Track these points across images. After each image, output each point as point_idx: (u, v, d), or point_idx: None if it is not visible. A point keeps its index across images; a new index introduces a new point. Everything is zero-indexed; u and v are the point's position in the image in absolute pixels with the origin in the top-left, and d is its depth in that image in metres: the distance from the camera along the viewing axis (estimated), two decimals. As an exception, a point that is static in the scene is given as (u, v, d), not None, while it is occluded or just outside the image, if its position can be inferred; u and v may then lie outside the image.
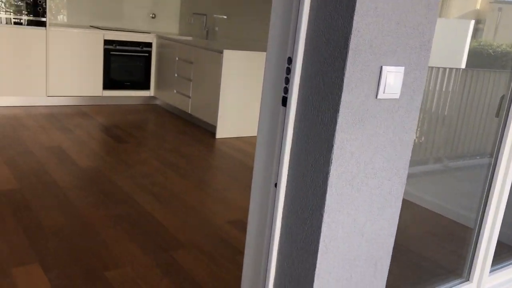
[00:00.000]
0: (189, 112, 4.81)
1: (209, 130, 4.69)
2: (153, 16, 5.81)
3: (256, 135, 4.68)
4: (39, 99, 4.87)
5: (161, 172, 3.37)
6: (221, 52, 4.23)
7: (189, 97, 4.79)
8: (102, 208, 2.70)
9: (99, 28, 5.07)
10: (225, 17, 5.18)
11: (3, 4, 4.38)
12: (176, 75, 5.00)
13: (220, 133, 4.43)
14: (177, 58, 4.95)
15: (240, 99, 4.44)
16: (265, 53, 4.48)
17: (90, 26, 5.36)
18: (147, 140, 4.11)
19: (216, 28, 5.31)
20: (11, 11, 4.43)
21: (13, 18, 4.45)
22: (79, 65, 4.93)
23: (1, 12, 4.38)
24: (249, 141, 4.45)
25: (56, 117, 4.55)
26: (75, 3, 5.24)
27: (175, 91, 5.03)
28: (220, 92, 4.30)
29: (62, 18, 5.21)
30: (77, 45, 4.87)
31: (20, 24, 4.50)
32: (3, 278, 1.94)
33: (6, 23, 4.43)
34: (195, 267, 2.18)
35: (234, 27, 5.02)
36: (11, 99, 4.71)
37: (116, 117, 4.82)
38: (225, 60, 4.23)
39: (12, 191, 2.76)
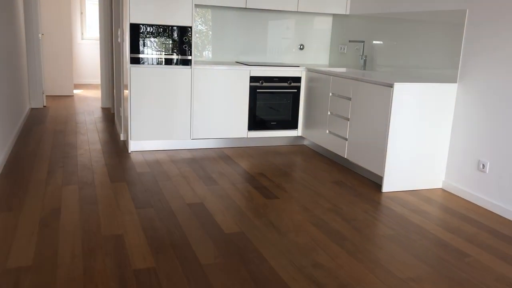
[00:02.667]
0: (346, 157, 4.03)
1: (373, 181, 3.84)
2: (301, 47, 5.24)
3: (436, 187, 3.69)
4: (183, 143, 4.57)
5: (323, 245, 2.62)
6: (391, 86, 3.40)
7: (345, 139, 4.02)
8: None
9: (245, 64, 4.64)
10: (381, 42, 4.36)
11: (148, 45, 4.19)
12: (329, 112, 4.29)
13: (388, 186, 3.55)
14: (330, 94, 4.25)
15: (414, 142, 3.53)
16: (446, 84, 3.52)
17: (236, 62, 4.99)
18: (298, 194, 3.43)
19: (375, 56, 4.50)
20: (160, 50, 4.22)
21: (158, 58, 4.23)
22: (224, 104, 4.54)
23: (148, 53, 4.20)
24: (427, 197, 3.49)
25: (199, 162, 4.16)
26: (219, 40, 4.93)
27: (327, 131, 4.32)
28: (389, 134, 3.44)
29: (207, 55, 4.93)
30: (222, 83, 4.48)
31: (165, 63, 4.27)
32: None
33: (151, 63, 4.23)
34: None
35: (395, 53, 4.17)
36: (156, 143, 4.48)
37: (261, 161, 4.27)
38: (396, 95, 3.39)
39: (148, 271, 2.26)
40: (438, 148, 3.63)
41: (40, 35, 6.42)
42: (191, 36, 4.31)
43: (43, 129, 5.18)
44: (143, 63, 4.21)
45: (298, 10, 4.79)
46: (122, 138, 4.86)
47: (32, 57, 6.34)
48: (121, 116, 4.91)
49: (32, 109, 6.39)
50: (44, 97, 6.64)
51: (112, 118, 6.08)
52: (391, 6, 4.27)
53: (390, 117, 3.42)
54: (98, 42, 9.51)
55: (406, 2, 4.07)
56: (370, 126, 3.66)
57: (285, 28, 5.13)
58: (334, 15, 5.23)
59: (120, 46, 4.82)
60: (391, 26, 4.27)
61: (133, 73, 4.20)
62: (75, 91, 8.35)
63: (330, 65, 5.13)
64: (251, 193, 3.42)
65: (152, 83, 4.27)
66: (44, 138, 4.77)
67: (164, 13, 4.17)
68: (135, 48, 4.17)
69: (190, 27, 4.29)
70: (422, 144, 3.56)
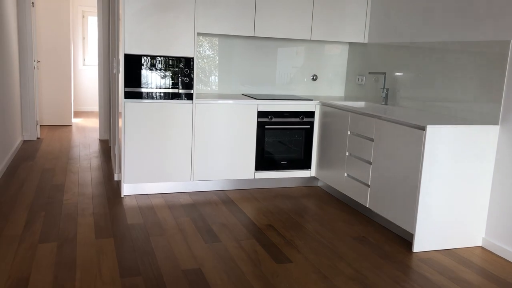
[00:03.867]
0: (368, 206, 3.52)
1: (401, 236, 3.31)
2: (314, 78, 4.79)
3: (475, 245, 3.16)
4: (183, 185, 4.09)
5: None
6: (423, 129, 2.91)
7: (367, 185, 3.52)
8: None
9: (252, 97, 4.20)
10: (405, 74, 3.90)
11: (145, 77, 3.76)
12: (347, 153, 3.80)
13: (420, 244, 3.03)
14: (349, 132, 3.77)
15: (450, 194, 3.02)
16: (486, 127, 3.02)
17: (243, 94, 4.54)
18: (314, 255, 2.91)
19: (398, 89, 4.03)
20: (158, 83, 3.79)
21: (156, 92, 3.80)
22: (228, 142, 4.07)
23: (145, 86, 3.77)
24: (465, 259, 2.95)
25: (199, 209, 3.67)
26: (225, 70, 4.50)
27: (345, 175, 3.82)
28: (421, 184, 2.94)
29: (211, 86, 4.49)
30: (227, 119, 4.03)
31: (164, 98, 3.83)
32: None
33: (148, 98, 3.80)
34: None
35: (421, 87, 3.70)
36: (152, 186, 4.01)
37: (270, 207, 3.77)
38: (429, 139, 2.90)
39: None
40: (477, 201, 3.11)
41: (35, 63, 6.06)
42: (193, 68, 3.88)
43: (31, 167, 4.73)
44: (139, 97, 3.77)
45: (312, 39, 4.36)
46: (116, 178, 4.40)
47: (25, 86, 5.96)
48: (115, 153, 4.46)
49: (24, 141, 5.97)
50: (38, 128, 6.23)
51: (109, 152, 5.64)
52: (416, 35, 3.81)
53: (422, 165, 2.92)
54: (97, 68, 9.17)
55: (434, 31, 3.61)
56: (397, 173, 3.16)
57: (296, 57, 4.70)
58: (350, 43, 4.79)
59: (115, 77, 4.40)
60: (416, 57, 3.81)
61: (127, 108, 3.76)
62: (74, 120, 7.96)
63: (346, 97, 4.67)
64: (259, 253, 2.91)
65: (149, 120, 3.82)
66: (30, 178, 4.32)
67: (163, 43, 3.75)
68: (130, 81, 3.74)
69: (192, 58, 3.86)
70: (459, 195, 3.05)
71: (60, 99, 7.37)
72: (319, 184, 4.47)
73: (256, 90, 4.63)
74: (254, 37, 4.51)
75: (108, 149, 5.77)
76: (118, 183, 4.27)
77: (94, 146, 5.92)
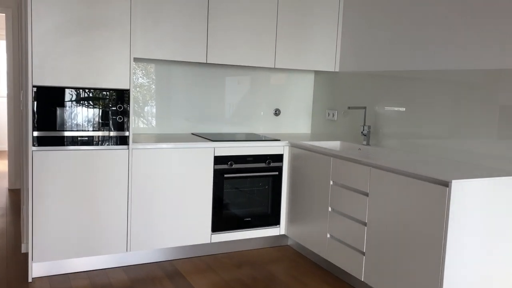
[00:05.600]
0: (362, 280, 2.74)
1: (411, 322, 2.55)
2: (276, 112, 4.03)
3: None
4: (116, 258, 3.09)
5: None
6: (446, 185, 2.21)
7: (361, 252, 2.75)
8: None
9: (206, 138, 3.34)
10: (389, 108, 3.26)
11: (63, 117, 2.79)
12: (330, 209, 3.03)
13: None
14: (331, 182, 3.01)
15: (482, 269, 2.32)
16: (513, 175, 2.38)
17: (192, 134, 3.66)
18: None
19: (380, 127, 3.37)
20: (82, 125, 2.83)
21: (79, 136, 2.83)
22: (176, 199, 3.16)
23: (63, 128, 2.79)
24: None
25: (142, 294, 2.71)
26: (168, 103, 3.61)
27: (328, 236, 3.04)
28: (446, 257, 2.21)
29: (150, 123, 3.57)
30: (174, 168, 3.12)
31: (89, 144, 2.86)
32: None
33: (66, 145, 2.81)
34: None
35: (410, 123, 3.06)
36: (74, 262, 2.97)
37: (230, 280, 2.88)
38: (455, 197, 2.19)
39: None
40: None
41: None
42: (129, 103, 2.96)
43: None
44: (55, 143, 2.78)
45: (276, 67, 3.61)
46: (24, 250, 3.29)
47: None
48: (23, 217, 3.37)
49: None
50: None
51: (20, 208, 4.47)
52: (398, 62, 3.19)
53: (446, 232, 2.21)
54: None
55: (423, 58, 3.00)
56: (407, 239, 2.42)
57: (254, 88, 3.92)
58: (316, 72, 4.10)
59: (24, 115, 3.36)
60: (402, 87, 3.17)
61: (37, 160, 2.75)
62: (-21, 162, 6.59)
63: (314, 135, 3.94)
64: None
65: (68, 174, 2.82)
66: None
67: (89, 72, 2.82)
68: (42, 121, 2.74)
69: (127, 91, 2.95)
70: (492, 271, 2.36)
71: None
72: (290, 243, 3.64)
73: (206, 128, 3.77)
74: (201, 64, 3.69)
75: (18, 203, 4.59)
76: (26, 258, 3.17)
77: (0, 199, 4.70)
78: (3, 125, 7.82)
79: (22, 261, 3.12)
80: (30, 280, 2.81)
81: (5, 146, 7.81)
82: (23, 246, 3.27)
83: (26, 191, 3.21)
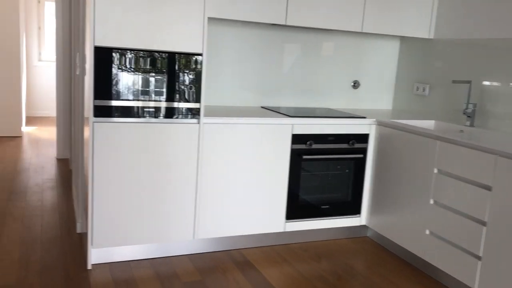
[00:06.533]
0: (475, 288, 2.31)
1: None
2: (354, 84, 3.54)
3: None
4: (182, 246, 2.74)
5: None
6: None
7: (476, 256, 2.30)
8: None
9: (280, 113, 2.91)
10: (492, 83, 2.72)
11: (127, 84, 2.40)
12: (432, 201, 2.57)
13: None
14: (435, 170, 2.54)
15: None
16: None
17: (262, 107, 3.24)
18: None
19: (489, 105, 2.85)
20: (147, 94, 2.45)
21: (143, 107, 2.45)
22: (249, 182, 2.76)
23: (126, 98, 2.42)
24: None
25: (206, 281, 2.38)
26: (235, 72, 3.18)
27: (428, 232, 2.59)
28: None
29: (214, 94, 3.16)
30: (247, 146, 2.72)
31: (154, 116, 2.49)
32: None
33: (130, 116, 2.45)
34: None
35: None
36: (135, 249, 2.65)
37: (305, 272, 2.49)
38: None
39: None
40: None
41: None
42: (202, 71, 2.55)
43: (-47, 207, 3.27)
44: (116, 115, 2.42)
45: (363, 31, 3.10)
46: (79, 229, 3.01)
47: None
48: (78, 192, 3.07)
49: (-48, 162, 4.46)
50: (-26, 143, 4.72)
51: (70, 178, 4.20)
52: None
53: None
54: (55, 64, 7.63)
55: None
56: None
57: (330, 58, 3.43)
58: (402, 39, 3.56)
59: (79, 80, 3.01)
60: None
61: (98, 133, 2.40)
62: (27, 129, 6.40)
63: (397, 111, 3.44)
64: None
65: (131, 151, 2.47)
66: None
67: (155, 32, 2.41)
68: (103, 89, 2.38)
69: (200, 55, 2.53)
70: None
71: (7, 103, 5.82)
72: (369, 234, 3.22)
73: (276, 101, 3.34)
74: (272, 29, 3.22)
75: (68, 174, 4.34)
76: (83, 239, 2.88)
77: (49, 169, 4.47)
78: (52, 90, 7.64)
79: (77, 243, 2.83)
80: (89, 267, 2.51)
81: (54, 112, 7.65)
82: (78, 225, 2.98)
83: (81, 166, 2.89)
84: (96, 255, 2.56)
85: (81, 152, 2.90)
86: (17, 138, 5.80)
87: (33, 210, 3.35)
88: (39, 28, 7.48)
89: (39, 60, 7.53)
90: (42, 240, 2.84)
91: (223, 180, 2.70)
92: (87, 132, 2.60)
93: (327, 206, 3.00)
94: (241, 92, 3.22)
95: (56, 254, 2.67)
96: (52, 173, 4.35)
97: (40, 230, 2.99)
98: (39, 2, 7.40)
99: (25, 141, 5.67)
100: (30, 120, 7.11)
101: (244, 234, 2.82)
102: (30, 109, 7.53)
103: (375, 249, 3.04)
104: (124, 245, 2.58)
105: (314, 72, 3.38)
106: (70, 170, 4.46)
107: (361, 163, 3.04)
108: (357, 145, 3.00)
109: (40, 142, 5.67)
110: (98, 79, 2.35)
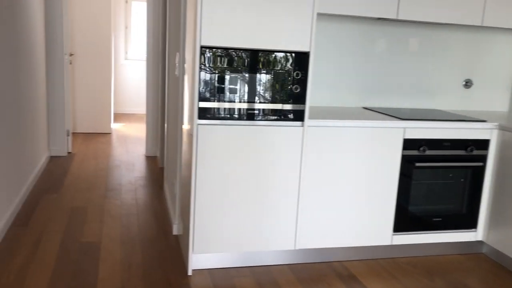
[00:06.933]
0: None
1: None
2: (467, 84, 3.21)
3: None
4: (282, 255, 2.60)
5: None
6: None
7: None
8: None
9: (392, 116, 2.67)
10: None
11: (232, 85, 2.29)
12: None
13: None
14: None
15: None
16: None
17: (363, 108, 3.02)
18: None
19: None
20: (250, 95, 2.33)
21: (247, 109, 2.33)
22: (354, 190, 2.56)
23: (231, 99, 2.31)
24: None
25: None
26: (337, 70, 2.98)
27: None
28: None
29: (314, 99, 2.98)
30: (354, 152, 2.52)
31: (257, 118, 2.36)
32: None
33: (242, 117, 2.33)
34: None
35: None
36: (234, 257, 2.55)
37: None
38: None
39: None
40: None
41: (67, 56, 4.72)
42: (308, 70, 2.39)
43: (54, 204, 3.37)
44: (218, 117, 2.32)
45: (483, 25, 2.78)
46: (175, 231, 2.97)
47: (54, 85, 4.64)
48: (175, 194, 3.03)
49: (51, 158, 4.66)
50: (69, 140, 4.91)
51: (160, 177, 4.23)
52: None
53: None
54: (145, 63, 7.84)
55: None
56: None
57: (440, 54, 3.12)
58: (522, 32, 3.17)
59: (179, 82, 2.96)
60: None
61: (202, 135, 2.32)
62: (114, 126, 6.64)
63: (516, 115, 3.07)
64: None
65: (232, 154, 2.36)
66: (50, 228, 2.93)
67: (261, 30, 2.28)
68: (207, 91, 2.29)
69: (307, 54, 2.37)
70: None
71: (97, 101, 6.05)
72: (485, 250, 2.89)
73: (378, 102, 3.09)
74: (376, 23, 2.97)
75: (157, 171, 4.38)
76: (180, 241, 2.84)
77: (139, 167, 4.54)
78: (139, 88, 7.87)
79: (175, 246, 2.79)
80: (189, 273, 2.45)
81: (139, 109, 7.89)
82: (174, 227, 2.94)
83: (179, 168, 2.84)
84: (196, 260, 2.49)
85: (179, 153, 2.85)
86: (107, 134, 6.01)
87: (128, 208, 3.38)
88: (126, 27, 7.73)
89: (125, 58, 7.79)
90: (140, 241, 2.83)
91: (326, 187, 2.52)
92: (186, 134, 2.54)
93: (439, 219, 2.72)
94: (340, 92, 3.01)
95: (155, 256, 2.64)
96: (142, 170, 4.42)
97: (137, 230, 2.99)
98: (126, 2, 7.64)
99: (114, 137, 5.85)
100: (117, 117, 7.37)
101: (347, 245, 2.63)
102: (117, 106, 7.81)
103: (493, 267, 2.71)
104: (225, 252, 2.49)
105: (422, 69, 3.10)
106: (159, 168, 4.50)
107: (480, 171, 2.72)
108: (476, 152, 2.68)
109: (128, 139, 5.83)
110: (202, 80, 2.26)
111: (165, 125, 3.70)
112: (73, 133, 5.89)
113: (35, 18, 3.92)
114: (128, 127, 6.63)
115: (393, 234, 2.67)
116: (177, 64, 2.89)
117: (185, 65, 2.63)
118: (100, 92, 6.05)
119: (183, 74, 2.72)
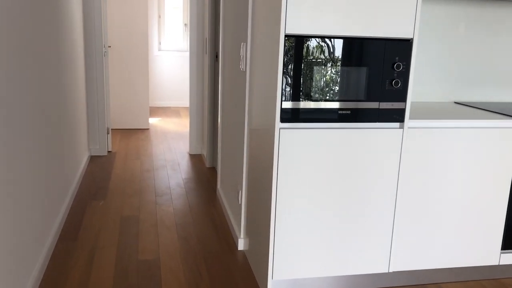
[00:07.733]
0: None
1: None
2: None
3: None
4: (373, 279, 2.24)
5: None
6: None
7: None
8: None
9: (501, 114, 2.26)
10: None
11: (321, 81, 1.92)
12: None
13: None
14: None
15: None
16: None
17: (454, 102, 2.61)
18: None
19: None
20: (340, 93, 1.95)
21: (340, 110, 1.95)
22: (453, 204, 2.18)
23: (317, 99, 1.94)
24: None
25: None
26: (424, 64, 2.57)
27: None
28: None
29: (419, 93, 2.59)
30: (457, 160, 2.12)
31: (346, 119, 1.99)
32: None
33: (331, 119, 1.97)
34: None
35: None
36: (316, 281, 2.20)
37: None
38: None
39: None
40: None
41: (105, 49, 4.42)
42: (410, 61, 2.00)
43: (102, 212, 3.08)
44: (302, 119, 1.96)
45: None
46: (240, 247, 2.63)
47: (92, 82, 4.35)
48: (240, 203, 2.69)
49: (92, 158, 4.38)
50: (109, 139, 4.63)
51: (210, 178, 3.90)
52: None
53: None
54: (179, 54, 7.51)
55: None
56: None
57: (541, 38, 2.67)
58: None
59: (242, 77, 2.60)
60: None
61: (285, 141, 1.96)
62: (151, 121, 6.34)
63: None
64: None
65: (319, 164, 1.99)
66: (100, 246, 2.62)
67: (357, 13, 1.90)
68: (291, 89, 1.92)
69: (410, 41, 1.98)
70: None
71: (134, 95, 5.75)
72: None
73: (468, 95, 2.67)
74: (470, 3, 2.54)
75: (205, 172, 4.05)
76: (246, 258, 2.50)
77: (185, 166, 4.22)
78: (174, 81, 7.57)
79: (243, 264, 2.45)
80: (268, 300, 2.12)
81: (178, 102, 7.60)
82: (239, 242, 2.60)
83: (247, 177, 2.49)
84: (274, 283, 2.15)
85: (245, 157, 2.50)
86: (145, 130, 5.72)
87: (183, 217, 3.06)
88: (159, 16, 7.40)
89: (159, 49, 7.48)
90: (203, 258, 2.50)
91: (425, 201, 2.14)
92: (256, 137, 2.18)
93: (554, 234, 2.32)
94: (426, 84, 2.60)
95: (223, 276, 2.31)
96: (189, 171, 4.10)
97: (197, 243, 2.67)
98: (159, -10, 7.31)
99: (152, 133, 5.56)
100: (152, 111, 7.09)
101: (446, 266, 2.25)
102: (151, 99, 7.53)
103: None
104: (308, 276, 2.14)
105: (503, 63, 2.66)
106: (207, 169, 4.17)
107: None
108: None
109: (168, 135, 5.52)
110: (286, 76, 1.89)
111: (219, 122, 3.36)
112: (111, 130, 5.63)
113: (74, 14, 3.61)
114: (165, 122, 6.33)
115: (502, 252, 2.28)
116: (241, 56, 2.52)
117: (258, 58, 2.27)
118: (137, 86, 5.75)
119: (252, 68, 2.36)
